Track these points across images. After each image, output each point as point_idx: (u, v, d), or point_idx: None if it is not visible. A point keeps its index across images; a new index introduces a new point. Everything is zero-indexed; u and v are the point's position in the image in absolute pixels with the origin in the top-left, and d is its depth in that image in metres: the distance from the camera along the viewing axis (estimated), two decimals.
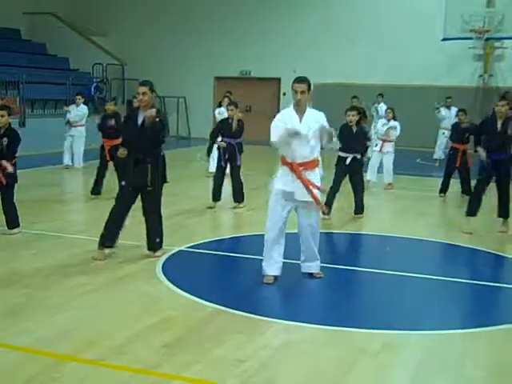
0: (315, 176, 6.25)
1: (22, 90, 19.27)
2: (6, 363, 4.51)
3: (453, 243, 8.56)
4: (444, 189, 12.03)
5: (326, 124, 6.19)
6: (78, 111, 14.53)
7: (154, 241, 7.09)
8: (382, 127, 12.66)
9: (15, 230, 8.18)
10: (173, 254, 7.49)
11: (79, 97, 14.73)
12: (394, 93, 21.26)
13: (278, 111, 6.60)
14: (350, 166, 9.36)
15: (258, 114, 23.29)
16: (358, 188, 9.51)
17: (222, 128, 10.49)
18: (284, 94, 22.85)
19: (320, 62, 22.66)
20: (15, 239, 8.06)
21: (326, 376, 4.48)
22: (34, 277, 6.48)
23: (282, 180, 6.22)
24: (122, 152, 7.00)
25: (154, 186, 6.95)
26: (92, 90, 22.27)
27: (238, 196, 10.22)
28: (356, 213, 9.58)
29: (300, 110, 6.16)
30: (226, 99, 13.90)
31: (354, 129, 9.46)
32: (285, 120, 6.12)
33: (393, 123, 12.58)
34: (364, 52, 22.25)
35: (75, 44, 24.24)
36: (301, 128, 6.03)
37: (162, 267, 6.91)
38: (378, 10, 22.22)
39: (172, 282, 6.38)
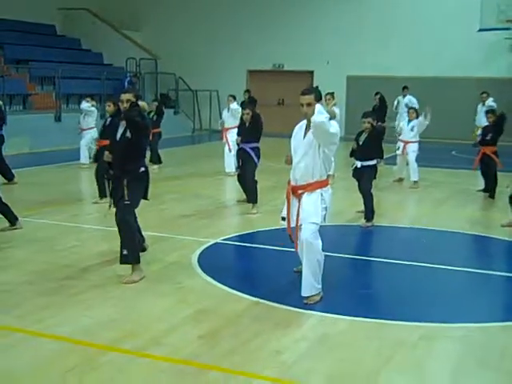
0: (314, 203, 5.64)
1: (57, 85, 19.51)
2: (46, 353, 4.58)
3: (490, 236, 8.45)
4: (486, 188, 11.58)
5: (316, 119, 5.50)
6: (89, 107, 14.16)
7: (121, 252, 6.20)
8: (403, 127, 12.40)
9: (17, 225, 8.16)
10: (208, 247, 7.53)
11: (88, 98, 14.38)
12: (429, 85, 21.10)
13: None
14: (359, 171, 8.88)
15: (290, 107, 23.27)
16: (364, 196, 8.87)
17: (239, 130, 10.11)
18: (317, 87, 22.71)
19: (353, 55, 22.56)
20: (53, 231, 8.17)
21: (364, 368, 4.46)
22: (72, 268, 6.57)
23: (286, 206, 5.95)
24: (108, 155, 6.43)
25: (126, 203, 6.17)
26: (125, 84, 22.42)
27: (249, 196, 9.75)
28: (365, 218, 8.91)
29: (309, 123, 5.68)
30: (231, 98, 13.42)
31: (364, 136, 8.94)
32: (295, 134, 5.85)
33: (414, 123, 12.16)
34: (398, 44, 22.03)
35: (109, 39, 24.46)
36: (301, 144, 5.71)
37: (198, 259, 6.95)
38: (413, 2, 21.96)
39: (208, 274, 6.42)
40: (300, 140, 5.75)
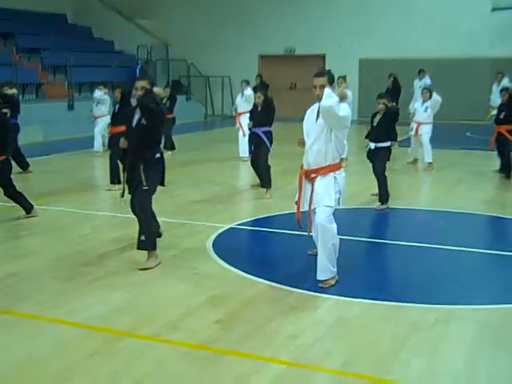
0: (327, 186, 5.62)
1: (69, 73, 19.55)
2: (65, 339, 4.63)
3: (507, 217, 8.41)
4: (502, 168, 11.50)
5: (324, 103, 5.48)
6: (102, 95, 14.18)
7: (139, 238, 6.22)
8: (418, 109, 12.32)
9: (33, 213, 8.22)
10: (222, 232, 7.55)
11: (101, 86, 14.36)
12: (442, 65, 20.94)
13: None
14: (373, 152, 8.84)
15: (302, 91, 23.17)
16: (378, 177, 8.83)
17: (251, 114, 10.14)
18: (329, 70, 22.59)
19: (365, 37, 22.39)
20: (69, 218, 8.23)
21: (380, 351, 4.47)
22: (88, 255, 6.62)
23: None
24: (123, 142, 6.39)
25: (143, 190, 6.15)
26: (137, 71, 22.43)
27: (263, 180, 9.75)
28: (379, 201, 8.91)
29: None
30: (245, 84, 13.37)
31: (378, 117, 8.92)
32: (307, 117, 5.80)
33: (428, 104, 12.02)
34: (410, 26, 21.83)
35: (119, 27, 24.44)
36: (313, 127, 5.68)
37: (213, 244, 6.97)
38: None
39: (223, 259, 6.44)
40: (312, 123, 5.72)
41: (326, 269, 5.65)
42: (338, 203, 5.72)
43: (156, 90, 6.32)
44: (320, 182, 5.66)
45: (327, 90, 5.52)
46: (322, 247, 5.63)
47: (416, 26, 21.76)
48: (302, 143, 5.83)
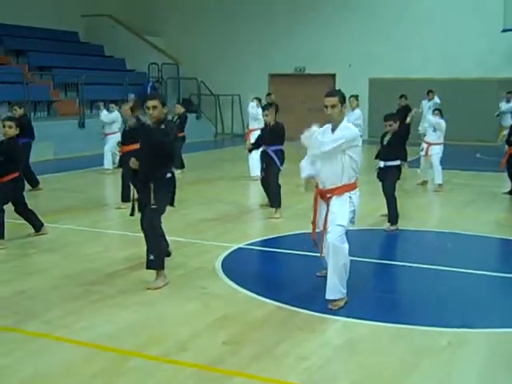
0: (342, 206, 5.62)
1: (80, 91, 19.69)
2: (72, 358, 4.62)
3: None
4: None
5: (346, 138, 5.59)
6: (108, 115, 14.23)
7: (148, 258, 6.22)
8: (427, 129, 12.29)
9: (43, 230, 8.27)
10: (231, 252, 7.54)
11: (113, 105, 14.42)
12: (452, 86, 20.97)
13: None
14: (383, 171, 8.79)
15: (312, 110, 23.23)
16: (387, 197, 8.78)
17: (260, 133, 10.03)
18: (339, 90, 22.68)
19: (375, 57, 22.46)
20: (78, 236, 8.25)
21: (389, 374, 4.43)
22: (97, 273, 6.62)
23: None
24: (134, 162, 6.35)
25: (153, 209, 6.15)
26: (148, 89, 22.56)
27: (272, 200, 9.66)
28: (388, 221, 8.85)
29: (334, 126, 5.69)
30: (256, 101, 13.29)
31: (388, 136, 8.87)
32: (319, 137, 5.71)
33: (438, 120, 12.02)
34: (420, 46, 21.88)
35: (131, 45, 24.66)
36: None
37: (221, 264, 6.96)
38: (434, 4, 21.79)
39: (231, 279, 6.42)
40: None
41: (335, 289, 5.62)
42: (352, 223, 5.71)
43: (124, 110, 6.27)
44: (335, 202, 5.66)
45: (345, 123, 5.66)
46: (333, 266, 5.59)
47: (426, 47, 21.80)
48: (313, 184, 5.82)
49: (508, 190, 11.52)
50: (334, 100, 5.60)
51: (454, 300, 6.03)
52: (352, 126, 5.86)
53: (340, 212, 5.61)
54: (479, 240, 8.41)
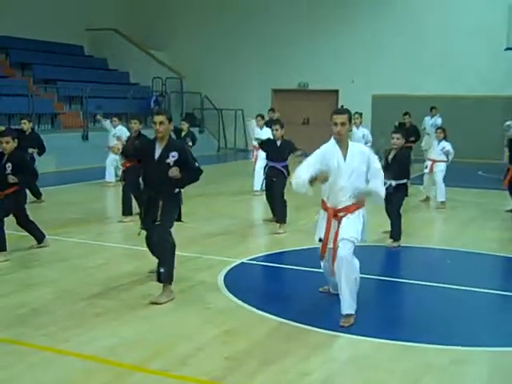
0: (353, 222, 5.65)
1: (84, 104, 19.76)
2: (74, 372, 4.60)
3: None
4: None
5: (375, 164, 5.76)
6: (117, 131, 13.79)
7: (158, 270, 6.20)
8: (433, 147, 12.28)
9: (45, 243, 8.27)
10: (234, 266, 7.53)
11: (115, 119, 14.01)
12: (455, 103, 21.05)
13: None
14: (392, 189, 8.62)
15: (315, 126, 23.30)
16: (393, 214, 8.76)
17: (267, 149, 9.96)
18: (342, 106, 22.78)
19: (378, 74, 22.58)
20: (81, 249, 8.24)
21: None
22: (99, 287, 6.61)
23: (321, 225, 5.87)
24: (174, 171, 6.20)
25: (163, 221, 6.23)
26: (151, 103, 22.69)
27: (278, 216, 9.63)
28: (390, 237, 8.85)
29: (343, 144, 5.67)
30: (259, 118, 13.16)
31: (392, 153, 8.82)
32: (326, 155, 5.65)
33: (445, 144, 12.00)
34: (424, 63, 22.00)
35: (135, 59, 24.82)
36: (345, 166, 5.62)
37: (224, 279, 6.95)
38: (438, 21, 21.94)
39: (234, 295, 6.40)
40: (341, 163, 5.63)
41: (349, 303, 5.60)
42: (363, 240, 5.75)
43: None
44: (348, 220, 5.66)
45: (358, 147, 5.79)
46: (345, 281, 5.56)
47: (429, 64, 21.91)
48: (325, 178, 5.59)
49: (510, 207, 11.50)
50: (344, 117, 5.62)
51: (457, 318, 6.01)
52: (361, 145, 5.91)
53: (352, 228, 5.62)
54: (482, 258, 8.39)
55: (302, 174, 5.61)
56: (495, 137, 18.86)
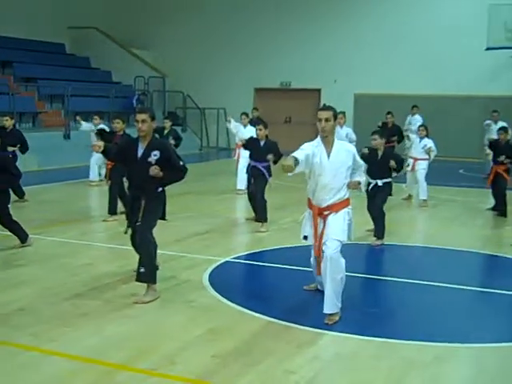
0: (339, 221, 5.69)
1: (66, 103, 19.65)
2: (61, 372, 4.59)
3: (502, 255, 8.44)
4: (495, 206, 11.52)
5: (359, 159, 5.91)
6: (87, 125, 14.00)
7: (138, 270, 6.18)
8: (415, 145, 12.36)
9: (28, 242, 8.22)
10: (219, 265, 7.55)
11: (96, 117, 14.03)
12: (436, 102, 21.20)
13: None
14: (377, 189, 8.85)
15: (297, 125, 23.37)
16: (376, 212, 8.84)
17: (250, 149, 9.92)
18: (324, 104, 22.83)
19: (360, 73, 22.66)
20: (65, 249, 8.21)
21: None
22: (84, 286, 6.59)
23: (306, 224, 5.94)
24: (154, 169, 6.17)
25: (144, 222, 6.21)
26: (134, 102, 22.62)
27: (259, 215, 9.67)
28: (374, 236, 8.95)
29: (328, 142, 5.69)
30: (244, 116, 13.30)
31: (380, 153, 8.96)
32: (314, 150, 5.65)
33: (427, 141, 12.12)
34: (405, 63, 22.14)
35: (117, 57, 24.70)
36: (328, 164, 5.64)
37: (209, 278, 6.97)
38: (419, 21, 22.09)
39: (219, 293, 6.43)
40: (324, 161, 5.66)
41: (332, 303, 5.64)
42: (349, 238, 5.79)
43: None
44: (333, 218, 5.70)
45: (343, 145, 5.85)
46: (331, 280, 5.60)
47: (411, 63, 22.06)
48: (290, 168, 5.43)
49: (491, 206, 11.63)
50: (328, 114, 5.65)
51: (440, 315, 6.08)
52: (346, 143, 6.01)
53: (338, 227, 5.66)
54: (464, 255, 8.48)
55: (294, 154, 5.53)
56: (476, 136, 19.03)
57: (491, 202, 11.66)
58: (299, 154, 5.53)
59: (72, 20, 24.05)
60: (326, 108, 5.79)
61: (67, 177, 15.25)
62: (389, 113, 16.33)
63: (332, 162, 5.67)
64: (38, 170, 16.32)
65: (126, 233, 6.52)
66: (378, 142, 8.91)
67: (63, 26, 24.02)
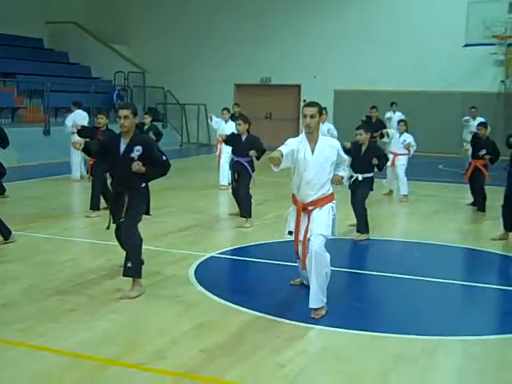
0: (323, 216, 5.71)
1: (45, 98, 19.49)
2: (49, 367, 4.58)
3: (482, 249, 8.56)
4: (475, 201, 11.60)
5: (342, 154, 5.93)
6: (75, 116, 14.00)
7: (125, 265, 6.19)
8: (395, 141, 12.44)
9: (11, 238, 8.16)
10: (204, 260, 7.56)
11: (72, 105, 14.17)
12: (415, 99, 21.35)
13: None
14: (358, 182, 8.92)
15: (278, 120, 23.42)
16: (358, 206, 8.91)
17: (232, 144, 9.93)
18: (304, 100, 22.91)
19: (340, 69, 22.78)
20: (48, 245, 8.17)
21: (367, 381, 4.51)
22: (70, 282, 6.57)
23: (291, 219, 5.97)
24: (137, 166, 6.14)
25: (129, 218, 6.21)
26: (114, 97, 22.50)
27: (243, 210, 9.67)
28: (357, 231, 9.00)
29: (312, 138, 5.71)
30: (225, 111, 13.37)
31: (364, 148, 9.02)
32: (299, 146, 5.68)
33: (406, 137, 12.23)
34: (385, 59, 22.28)
35: (97, 52, 24.56)
36: (312, 160, 5.67)
37: (195, 273, 6.98)
38: (398, 17, 22.23)
39: (205, 288, 6.44)
40: (308, 157, 5.70)
41: (317, 297, 5.66)
42: (333, 233, 5.82)
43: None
44: (317, 213, 5.73)
45: (327, 141, 5.88)
46: (315, 275, 5.63)
47: (390, 59, 22.20)
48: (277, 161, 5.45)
49: (471, 201, 11.75)
50: (314, 110, 5.68)
51: (425, 308, 6.15)
52: (331, 139, 6.06)
53: (322, 222, 5.70)
54: (445, 249, 8.58)
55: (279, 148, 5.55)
56: (455, 131, 19.21)
57: (470, 197, 11.78)
58: (284, 148, 5.57)
59: (50, 15, 23.85)
60: (312, 104, 5.81)
61: (48, 173, 15.15)
62: (373, 107, 16.44)
63: (316, 158, 5.71)
64: (18, 165, 16.16)
65: (108, 228, 6.51)
66: (363, 137, 8.95)
67: (41, 20, 23.80)
